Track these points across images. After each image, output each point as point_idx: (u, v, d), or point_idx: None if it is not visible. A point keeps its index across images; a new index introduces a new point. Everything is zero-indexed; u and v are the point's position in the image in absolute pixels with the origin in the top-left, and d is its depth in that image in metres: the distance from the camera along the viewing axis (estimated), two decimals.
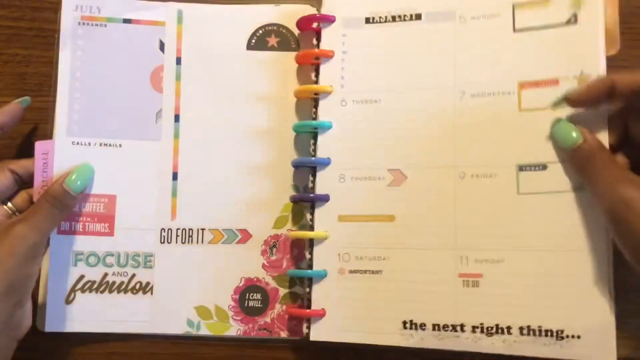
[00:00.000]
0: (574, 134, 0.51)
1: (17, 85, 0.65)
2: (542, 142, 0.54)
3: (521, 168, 0.54)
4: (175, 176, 0.61)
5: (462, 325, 0.53)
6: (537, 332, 0.52)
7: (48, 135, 0.63)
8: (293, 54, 0.62)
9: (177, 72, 0.62)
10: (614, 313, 0.51)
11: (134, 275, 0.61)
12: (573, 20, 0.55)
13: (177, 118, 0.62)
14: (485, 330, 0.53)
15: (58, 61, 0.63)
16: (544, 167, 0.53)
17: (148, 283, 0.61)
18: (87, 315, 0.60)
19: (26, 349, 0.60)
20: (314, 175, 0.59)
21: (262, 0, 0.64)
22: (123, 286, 0.61)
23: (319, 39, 0.60)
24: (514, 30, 0.56)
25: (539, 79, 0.54)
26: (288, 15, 0.62)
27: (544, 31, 0.55)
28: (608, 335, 0.51)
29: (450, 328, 0.54)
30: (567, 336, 0.51)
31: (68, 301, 0.60)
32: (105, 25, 0.63)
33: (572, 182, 0.53)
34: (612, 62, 0.56)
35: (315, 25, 0.61)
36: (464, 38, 0.57)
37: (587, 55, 0.54)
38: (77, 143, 0.62)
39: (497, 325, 0.53)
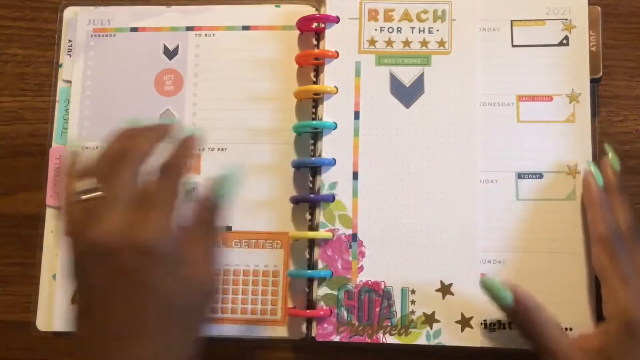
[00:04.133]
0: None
1: (17, 85, 0.65)
2: (539, 152, 0.58)
3: (520, 176, 0.58)
4: None
5: None
6: None
7: (48, 135, 0.63)
8: (293, 55, 0.62)
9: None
10: (594, 307, 0.56)
11: None
12: (565, 42, 0.60)
13: None
14: (488, 326, 0.56)
15: (59, 62, 0.64)
16: (540, 175, 0.58)
17: None
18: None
19: (26, 349, 0.60)
20: (314, 177, 0.60)
21: (261, 0, 0.65)
22: None
23: (318, 40, 0.62)
24: (512, 45, 0.60)
25: (535, 93, 0.59)
26: (289, 16, 0.63)
27: (539, 49, 0.60)
28: (592, 325, 0.56)
29: None
30: (562, 329, 0.55)
31: (74, 301, 0.60)
32: (114, 35, 0.64)
33: (565, 191, 0.58)
34: (614, 63, 0.62)
35: (314, 25, 0.61)
36: None
37: (577, 76, 0.59)
38: (87, 147, 0.62)
39: (499, 321, 0.56)
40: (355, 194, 0.58)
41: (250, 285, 0.60)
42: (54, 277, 0.61)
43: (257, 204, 0.61)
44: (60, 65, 0.64)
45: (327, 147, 0.59)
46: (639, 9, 0.63)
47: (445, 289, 0.56)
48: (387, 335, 0.56)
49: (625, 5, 0.63)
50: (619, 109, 0.62)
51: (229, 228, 0.60)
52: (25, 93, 0.65)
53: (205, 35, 0.64)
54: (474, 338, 0.56)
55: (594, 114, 0.59)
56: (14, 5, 0.66)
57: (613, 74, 0.62)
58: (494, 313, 0.55)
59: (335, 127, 0.59)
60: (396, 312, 0.56)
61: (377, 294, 0.57)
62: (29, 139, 0.64)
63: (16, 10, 0.66)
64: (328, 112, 0.59)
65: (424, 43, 0.60)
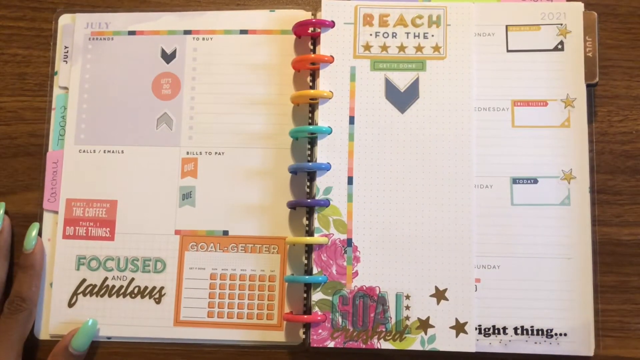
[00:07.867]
0: None
1: (17, 85, 0.65)
2: (533, 157, 0.58)
3: (515, 181, 0.58)
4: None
5: None
6: (530, 332, 0.56)
7: (45, 134, 0.64)
8: (290, 59, 0.62)
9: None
10: (593, 312, 0.57)
11: (132, 279, 0.61)
12: (560, 47, 0.60)
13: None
14: (483, 331, 0.57)
15: (53, 61, 0.65)
16: (535, 181, 0.58)
17: (146, 287, 0.61)
18: (88, 318, 0.60)
19: (26, 349, 0.60)
20: (311, 181, 0.60)
21: (258, 5, 0.65)
22: (122, 290, 0.61)
23: (314, 44, 0.62)
24: (507, 50, 0.60)
25: (530, 98, 0.59)
26: (284, 21, 0.63)
27: (534, 54, 0.60)
28: (590, 331, 0.56)
29: None
30: (556, 334, 0.56)
31: (70, 304, 0.61)
32: (112, 39, 0.64)
33: (559, 197, 0.58)
34: (614, 63, 0.62)
35: (310, 30, 0.62)
36: None
37: (572, 81, 0.59)
38: (84, 151, 0.63)
39: (493, 327, 0.57)
40: (350, 199, 0.58)
41: (246, 290, 0.60)
42: (50, 285, 0.61)
43: (254, 209, 0.61)
44: (56, 73, 0.65)
45: (322, 152, 0.59)
46: (638, 9, 0.63)
47: (439, 294, 0.57)
48: (381, 341, 0.56)
49: (624, 5, 0.63)
50: (618, 109, 0.62)
51: (226, 232, 0.61)
52: (25, 93, 0.65)
53: (203, 39, 0.64)
54: (469, 343, 0.56)
55: (590, 119, 0.60)
56: (14, 5, 0.66)
57: (612, 74, 0.62)
58: (489, 318, 0.56)
59: (331, 132, 0.59)
60: (391, 318, 0.57)
61: (371, 299, 0.57)
62: (29, 139, 0.64)
63: (16, 11, 0.66)
64: (323, 117, 0.59)
65: (419, 48, 0.60)
